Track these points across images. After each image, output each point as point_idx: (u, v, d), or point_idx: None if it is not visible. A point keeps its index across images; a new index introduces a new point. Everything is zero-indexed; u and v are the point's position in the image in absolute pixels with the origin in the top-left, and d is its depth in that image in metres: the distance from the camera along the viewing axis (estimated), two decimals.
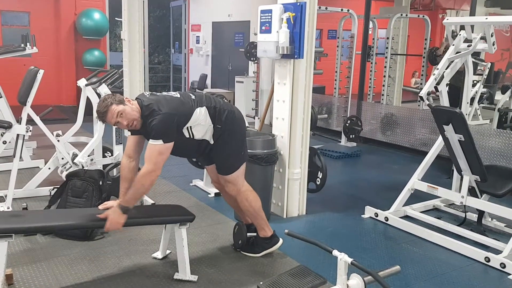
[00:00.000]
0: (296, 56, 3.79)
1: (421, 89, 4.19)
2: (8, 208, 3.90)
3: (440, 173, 5.43)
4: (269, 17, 3.86)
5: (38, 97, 4.03)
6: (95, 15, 10.24)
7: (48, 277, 2.97)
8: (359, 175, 5.77)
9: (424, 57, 7.92)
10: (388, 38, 7.64)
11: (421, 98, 3.99)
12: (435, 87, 4.10)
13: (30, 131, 3.88)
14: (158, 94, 2.96)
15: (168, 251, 3.32)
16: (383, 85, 7.68)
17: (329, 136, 7.60)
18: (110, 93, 2.95)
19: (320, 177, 4.23)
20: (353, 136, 7.13)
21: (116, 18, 10.21)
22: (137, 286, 2.90)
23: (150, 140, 2.75)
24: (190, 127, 2.87)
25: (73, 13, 10.40)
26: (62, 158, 4.34)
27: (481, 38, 4.03)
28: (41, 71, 3.85)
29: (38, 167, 5.43)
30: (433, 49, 7.87)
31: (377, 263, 3.33)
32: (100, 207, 2.87)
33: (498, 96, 7.72)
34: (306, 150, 4.13)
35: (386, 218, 4.07)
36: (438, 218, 4.10)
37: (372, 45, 8.15)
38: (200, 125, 2.89)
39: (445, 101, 4.17)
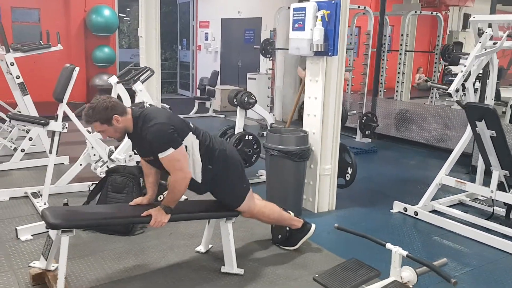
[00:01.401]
0: (330, 54, 3.86)
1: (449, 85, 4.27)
2: (45, 204, 3.95)
3: (459, 168, 5.51)
4: (303, 15, 3.92)
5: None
6: (105, 11, 10.23)
7: (98, 270, 3.03)
8: (379, 171, 5.84)
9: (436, 53, 7.99)
10: (402, 35, 7.71)
11: (450, 94, 4.07)
12: (462, 84, 4.18)
13: (66, 127, 3.92)
14: (157, 107, 2.96)
15: (209, 245, 3.38)
16: (397, 81, 7.75)
17: (344, 132, 7.65)
18: (108, 99, 2.68)
19: (350, 172, 4.31)
20: (369, 132, 7.21)
21: (119, 14, 10.21)
22: (185, 279, 2.97)
23: (159, 155, 2.63)
24: (186, 146, 2.77)
25: (83, 10, 10.40)
26: (94, 155, 4.39)
27: (508, 36, 4.11)
28: (77, 69, 3.90)
29: (63, 163, 5.50)
30: (446, 46, 7.95)
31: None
32: (132, 203, 2.95)
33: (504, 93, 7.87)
34: (337, 146, 4.20)
35: (416, 213, 4.15)
36: (465, 212, 4.19)
37: (384, 41, 8.23)
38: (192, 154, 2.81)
39: (471, 98, 4.25)
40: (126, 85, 4.49)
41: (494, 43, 4.16)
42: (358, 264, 2.60)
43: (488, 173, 4.16)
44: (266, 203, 3.29)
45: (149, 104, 2.98)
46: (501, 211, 4.16)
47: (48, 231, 3.50)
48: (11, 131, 6.04)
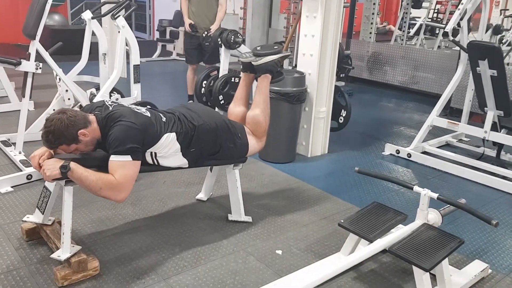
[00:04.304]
0: None
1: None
2: (20, 152, 3.59)
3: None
4: None
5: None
6: None
7: (96, 223, 2.79)
8: (361, 114, 5.76)
9: None
10: None
11: (446, 33, 3.96)
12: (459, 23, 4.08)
13: (40, 68, 3.51)
14: (124, 105, 2.51)
15: (210, 193, 3.21)
16: (371, 23, 7.60)
17: None
18: (64, 115, 2.20)
19: (344, 115, 4.19)
20: (343, 75, 7.08)
21: None
22: (193, 229, 2.80)
23: (113, 156, 2.20)
24: (155, 153, 2.44)
25: None
26: (69, 99, 4.02)
27: None
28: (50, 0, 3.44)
29: (28, 109, 5.02)
30: None
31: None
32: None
33: None
34: (332, 88, 4.04)
35: (409, 155, 4.13)
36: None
37: None
38: (167, 153, 2.47)
39: (464, 38, 4.17)
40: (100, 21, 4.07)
41: None
42: (382, 208, 2.53)
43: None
44: (247, 118, 2.88)
45: (114, 102, 2.46)
46: (488, 152, 4.22)
47: (31, 181, 3.25)
48: None
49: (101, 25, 4.37)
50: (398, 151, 4.22)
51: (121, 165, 2.21)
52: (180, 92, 5.99)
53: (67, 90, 3.93)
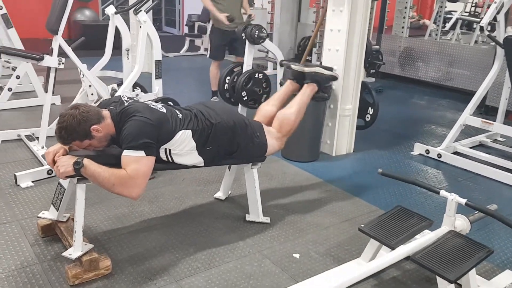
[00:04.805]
0: None
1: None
2: (43, 147, 3.61)
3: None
4: None
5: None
6: None
7: (112, 220, 2.76)
8: (390, 112, 5.56)
9: None
10: None
11: (482, 28, 3.76)
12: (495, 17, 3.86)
13: (63, 63, 3.51)
14: (140, 101, 2.46)
15: (229, 192, 3.13)
16: (404, 17, 7.35)
17: None
18: (76, 110, 2.18)
19: (371, 113, 4.03)
20: (374, 70, 6.90)
21: None
22: (210, 229, 2.73)
23: (126, 151, 2.15)
24: (169, 150, 2.37)
25: None
26: (92, 94, 4.02)
27: None
28: None
29: (54, 103, 5.09)
30: None
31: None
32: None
33: None
34: (359, 84, 3.90)
35: (439, 155, 3.95)
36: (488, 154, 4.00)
37: None
38: (182, 150, 2.40)
39: (501, 33, 3.94)
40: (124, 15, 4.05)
41: None
42: (405, 212, 2.39)
43: None
44: (277, 115, 2.85)
45: (130, 98, 2.40)
46: None
47: (51, 176, 3.25)
48: None
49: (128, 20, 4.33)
50: (427, 151, 4.04)
51: (134, 160, 2.16)
52: (205, 88, 5.94)
53: (90, 85, 3.93)
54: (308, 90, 3.08)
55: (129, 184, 2.15)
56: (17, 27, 4.90)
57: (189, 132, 2.40)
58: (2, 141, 3.94)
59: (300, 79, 3.15)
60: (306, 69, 3.11)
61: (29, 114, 4.76)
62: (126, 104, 2.32)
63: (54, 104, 5.05)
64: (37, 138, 3.79)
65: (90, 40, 6.99)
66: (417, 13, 13.54)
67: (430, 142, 4.39)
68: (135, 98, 2.50)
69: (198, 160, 2.48)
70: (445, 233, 2.19)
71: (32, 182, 3.20)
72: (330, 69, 3.20)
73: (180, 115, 2.43)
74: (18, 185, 3.15)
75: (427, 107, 5.95)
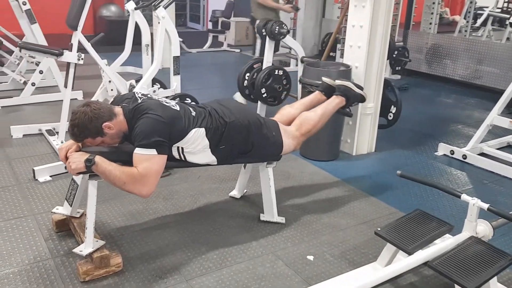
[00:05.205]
0: None
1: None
2: (62, 142, 3.64)
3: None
4: None
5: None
6: None
7: (126, 216, 2.76)
8: (415, 110, 5.43)
9: None
10: None
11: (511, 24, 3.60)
12: None
13: (82, 59, 3.52)
14: (153, 98, 2.41)
15: (244, 190, 3.09)
16: (431, 13, 7.15)
17: None
18: (88, 107, 2.17)
19: (394, 112, 3.92)
20: (399, 68, 6.75)
21: None
22: (223, 228, 2.69)
23: (137, 149, 2.13)
24: (182, 148, 2.34)
25: None
26: (112, 90, 4.03)
27: None
28: None
29: (76, 98, 5.14)
30: None
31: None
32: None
33: None
34: (381, 82, 3.79)
35: (464, 156, 3.81)
36: None
37: None
38: (195, 148, 2.37)
39: None
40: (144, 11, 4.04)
41: None
42: (424, 216, 2.30)
43: None
44: (300, 115, 2.82)
45: (144, 95, 2.38)
46: None
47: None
48: (19, 63, 5.65)
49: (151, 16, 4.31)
50: (452, 152, 3.90)
51: (146, 158, 2.13)
52: (228, 84, 5.91)
53: (110, 81, 3.93)
54: (336, 100, 2.98)
55: (140, 183, 2.13)
56: (41, 23, 4.97)
57: (202, 130, 2.37)
58: (23, 135, 3.99)
59: (330, 92, 3.05)
60: (337, 82, 3.05)
61: (52, 108, 4.81)
62: (139, 101, 2.30)
63: (76, 99, 5.11)
64: (57, 132, 3.83)
65: (115, 36, 7.06)
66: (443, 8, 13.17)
67: (456, 143, 4.25)
68: (149, 95, 2.47)
69: (211, 159, 2.45)
70: (465, 239, 2.09)
71: (50, 176, 3.23)
72: (361, 88, 3.09)
73: (193, 113, 2.39)
74: (36, 180, 3.18)
75: (454, 106, 5.77)
